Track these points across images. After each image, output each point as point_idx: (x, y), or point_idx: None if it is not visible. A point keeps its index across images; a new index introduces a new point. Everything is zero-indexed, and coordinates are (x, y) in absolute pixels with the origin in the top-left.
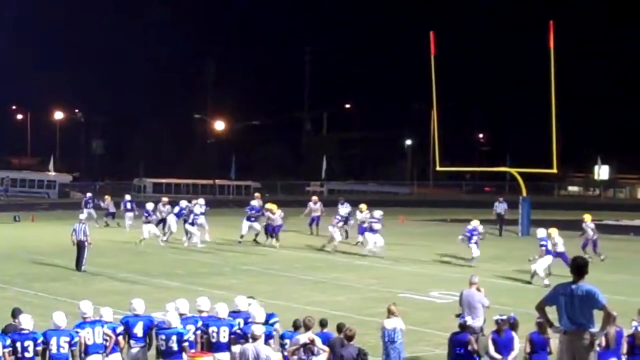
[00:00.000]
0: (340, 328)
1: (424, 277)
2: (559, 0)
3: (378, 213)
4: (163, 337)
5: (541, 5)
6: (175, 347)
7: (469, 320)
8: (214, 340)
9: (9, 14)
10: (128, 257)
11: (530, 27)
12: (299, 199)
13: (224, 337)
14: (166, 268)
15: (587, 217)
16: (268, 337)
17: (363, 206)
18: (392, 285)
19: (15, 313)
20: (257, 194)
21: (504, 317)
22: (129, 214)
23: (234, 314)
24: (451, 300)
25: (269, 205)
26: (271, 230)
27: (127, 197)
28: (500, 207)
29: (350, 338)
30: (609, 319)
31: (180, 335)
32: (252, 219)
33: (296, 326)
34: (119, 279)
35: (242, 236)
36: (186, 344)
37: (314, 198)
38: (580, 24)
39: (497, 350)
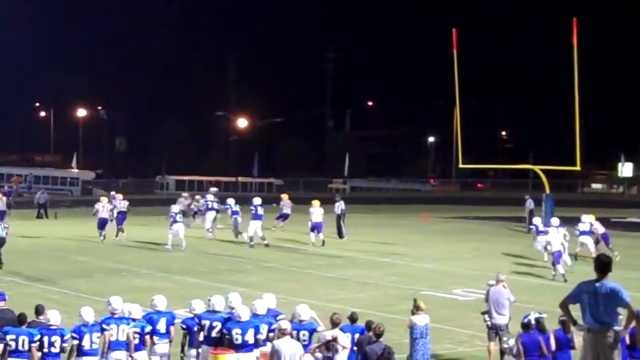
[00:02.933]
0: (369, 325)
1: (446, 275)
2: None
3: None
4: (239, 330)
5: (565, 1)
6: (251, 340)
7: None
8: (237, 342)
9: (33, 13)
10: (148, 254)
11: (554, 24)
12: (321, 196)
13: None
14: (188, 265)
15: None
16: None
17: (315, 202)
18: (414, 282)
19: (38, 310)
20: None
21: (544, 316)
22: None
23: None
24: (474, 298)
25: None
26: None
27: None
28: (531, 203)
29: (379, 335)
30: (632, 317)
31: (257, 329)
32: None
33: (353, 319)
34: (140, 276)
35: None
36: (260, 336)
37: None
38: (604, 21)
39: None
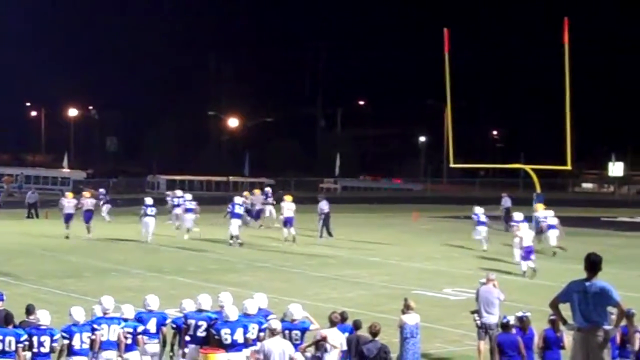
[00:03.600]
0: (357, 325)
1: (436, 274)
2: None
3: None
4: (228, 330)
5: (556, 1)
6: (241, 339)
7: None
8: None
9: (24, 13)
10: (139, 253)
11: (545, 24)
12: (312, 196)
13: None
14: (179, 264)
15: (539, 207)
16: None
17: (288, 197)
18: (405, 282)
19: (29, 309)
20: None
21: (528, 314)
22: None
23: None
24: (464, 298)
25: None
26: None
27: (102, 190)
28: (507, 201)
29: (375, 334)
30: (622, 316)
31: (245, 328)
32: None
33: (343, 318)
34: (131, 276)
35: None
36: (250, 335)
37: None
38: (595, 21)
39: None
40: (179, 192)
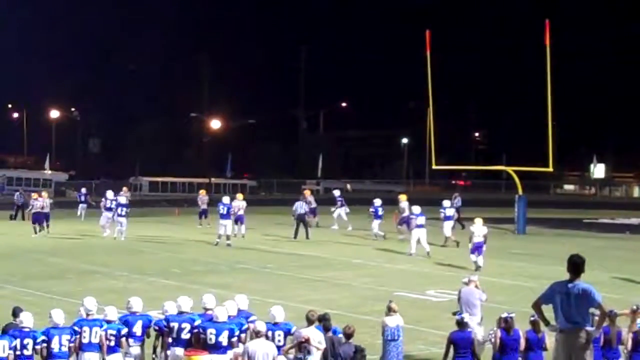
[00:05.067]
0: (327, 327)
1: (419, 276)
2: None
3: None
4: (213, 330)
5: (537, 3)
6: (225, 342)
7: (466, 317)
8: (211, 342)
9: (5, 13)
10: (122, 255)
11: (526, 25)
12: (295, 198)
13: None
14: (162, 266)
15: (403, 197)
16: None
17: (239, 195)
18: (388, 283)
19: (15, 312)
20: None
21: (513, 315)
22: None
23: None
24: (447, 299)
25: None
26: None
27: (83, 190)
28: (457, 202)
29: (349, 336)
30: (604, 317)
31: (231, 331)
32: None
33: (327, 328)
34: (114, 278)
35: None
36: (235, 339)
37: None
38: (577, 23)
39: (503, 349)
40: (110, 194)
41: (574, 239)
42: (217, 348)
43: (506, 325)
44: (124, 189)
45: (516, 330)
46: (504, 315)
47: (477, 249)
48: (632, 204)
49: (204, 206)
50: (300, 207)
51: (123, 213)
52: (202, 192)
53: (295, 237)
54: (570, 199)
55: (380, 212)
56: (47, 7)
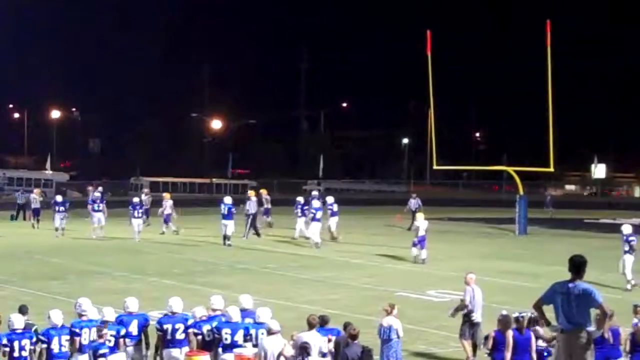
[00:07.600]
0: (346, 327)
1: (420, 276)
2: None
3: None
4: (229, 330)
5: (539, 3)
6: (240, 341)
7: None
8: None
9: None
10: (124, 255)
11: (528, 26)
12: (296, 198)
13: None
14: (162, 267)
15: (252, 193)
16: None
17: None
18: (389, 283)
19: (22, 310)
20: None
21: (524, 315)
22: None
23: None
24: (448, 299)
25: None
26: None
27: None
28: (414, 203)
29: (354, 337)
30: (605, 317)
31: (246, 330)
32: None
33: (324, 321)
34: (114, 278)
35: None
36: (248, 338)
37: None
38: (578, 24)
39: (515, 349)
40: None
41: (574, 239)
42: (233, 347)
43: (518, 324)
44: (145, 190)
45: (527, 330)
46: (515, 314)
47: (420, 242)
48: (632, 204)
49: (168, 210)
50: (250, 206)
51: (140, 215)
52: (167, 195)
53: (245, 237)
54: (571, 200)
55: (319, 216)
56: (47, 8)
